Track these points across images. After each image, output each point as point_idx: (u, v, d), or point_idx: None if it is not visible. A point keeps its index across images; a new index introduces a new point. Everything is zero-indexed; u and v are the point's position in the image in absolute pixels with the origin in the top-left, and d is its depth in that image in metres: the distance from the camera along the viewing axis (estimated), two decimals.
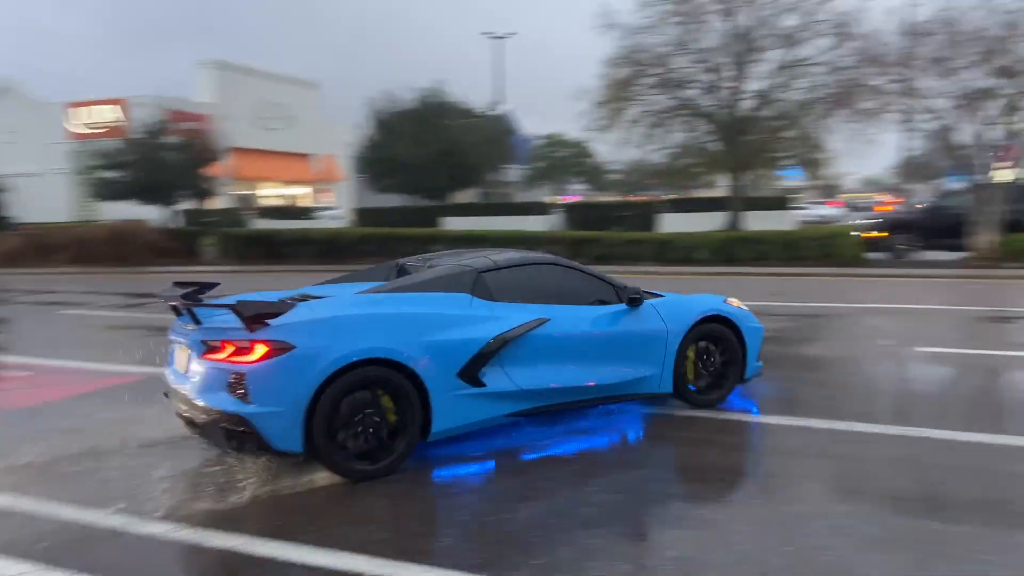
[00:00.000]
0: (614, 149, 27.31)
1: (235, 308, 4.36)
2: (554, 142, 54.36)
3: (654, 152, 27.07)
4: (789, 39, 23.32)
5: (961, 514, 3.92)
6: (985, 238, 16.53)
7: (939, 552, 3.47)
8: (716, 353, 6.03)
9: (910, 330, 9.56)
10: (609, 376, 5.43)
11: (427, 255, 6.22)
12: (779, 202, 42.78)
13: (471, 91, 61.47)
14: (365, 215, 32.54)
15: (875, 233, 18.51)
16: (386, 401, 4.55)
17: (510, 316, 5.08)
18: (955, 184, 24.92)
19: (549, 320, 5.19)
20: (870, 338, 9.10)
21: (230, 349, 4.36)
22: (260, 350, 4.29)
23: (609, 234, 20.25)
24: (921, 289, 13.84)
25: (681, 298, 6.15)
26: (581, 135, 32.49)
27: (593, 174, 55.35)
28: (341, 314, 4.63)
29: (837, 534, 3.69)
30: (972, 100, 16.23)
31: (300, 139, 43.28)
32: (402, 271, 5.92)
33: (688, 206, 33.34)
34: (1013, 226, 16.66)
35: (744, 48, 23.48)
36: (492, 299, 5.15)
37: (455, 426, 4.83)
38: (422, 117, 32.05)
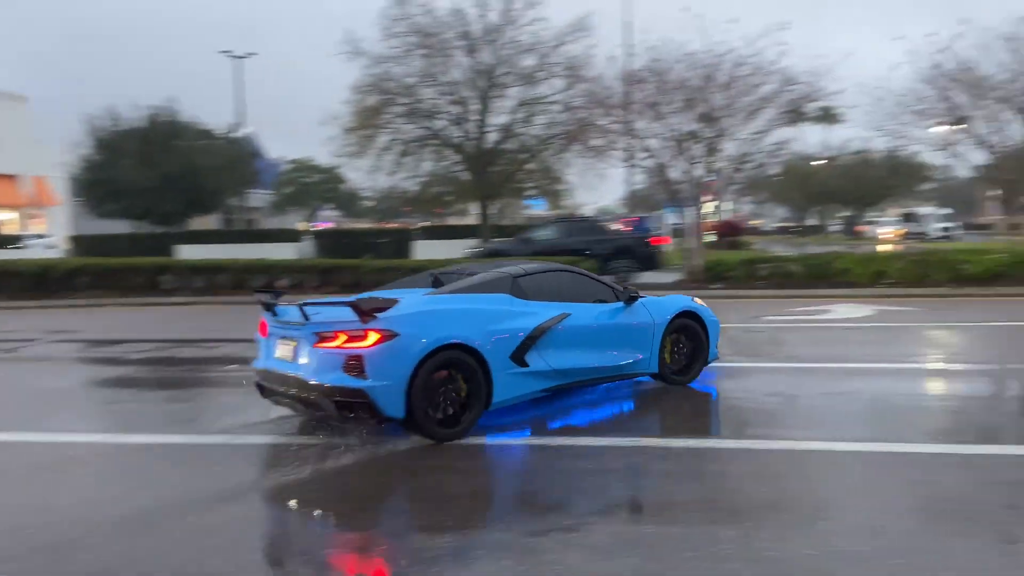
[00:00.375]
0: (365, 176, 27.25)
1: (354, 305, 5.50)
2: (304, 167, 52.85)
3: (406, 180, 27.44)
4: (528, 78, 24.91)
5: (675, 515, 4.27)
6: (696, 262, 18.69)
7: (654, 554, 3.74)
8: (687, 342, 7.56)
9: None
10: (614, 359, 6.87)
11: (459, 267, 7.55)
12: (525, 230, 45.14)
13: (211, 113, 57.77)
14: (85, 243, 29.13)
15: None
16: (460, 380, 5.72)
17: (541, 311, 6.38)
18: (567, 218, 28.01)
19: (570, 314, 6.52)
20: None
21: (343, 337, 5.45)
22: (373, 336, 5.40)
23: (363, 262, 19.94)
24: None
25: (661, 298, 7.69)
26: (332, 160, 32.05)
27: (346, 200, 54.57)
28: (428, 309, 5.85)
29: (567, 547, 3.84)
30: (680, 141, 18.34)
31: (3, 158, 37.78)
32: (437, 280, 6.99)
33: (443, 233, 34.05)
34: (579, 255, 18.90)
35: (488, 84, 24.65)
36: (526, 298, 6.44)
37: (508, 398, 6.07)
38: (151, 137, 29.56)
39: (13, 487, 5.04)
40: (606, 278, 7.52)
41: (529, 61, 24.53)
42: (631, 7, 28.10)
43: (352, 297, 6.04)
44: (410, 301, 5.91)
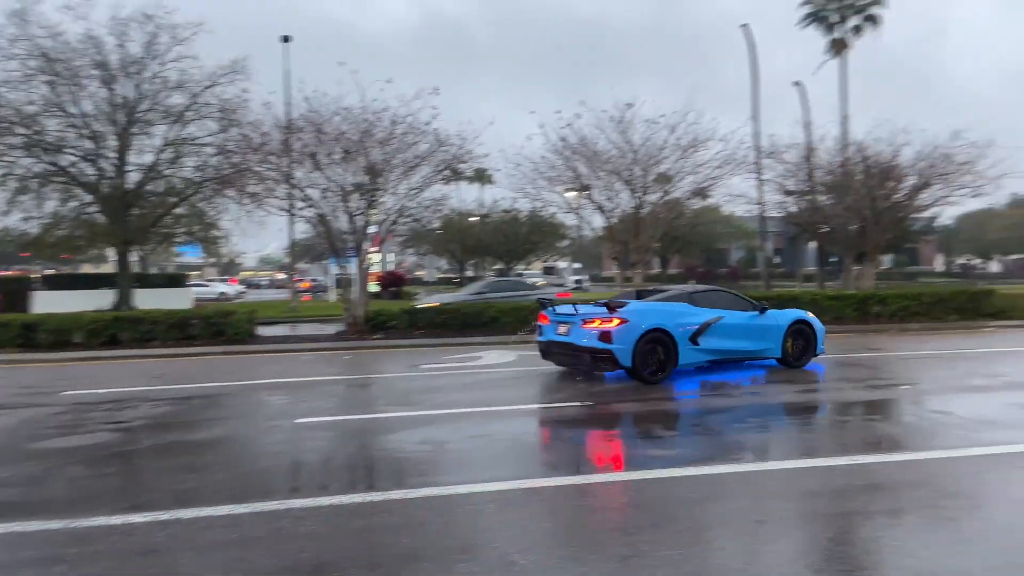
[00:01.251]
0: None
1: (606, 304, 11.00)
2: None
3: (24, 221, 23.71)
4: (177, 117, 23.18)
5: None
6: (358, 312, 18.75)
7: None
8: (801, 340, 12.28)
9: (293, 403, 10.07)
10: (751, 346, 11.82)
11: (652, 287, 13.28)
12: (177, 279, 41.61)
13: None
14: None
15: None
16: (660, 349, 10.78)
17: (706, 314, 11.36)
18: None
19: (723, 317, 11.46)
20: (255, 415, 9.28)
21: (599, 322, 10.72)
22: (616, 321, 10.60)
23: None
24: (305, 363, 14.86)
25: (784, 310, 12.59)
26: None
27: None
28: (643, 308, 11.03)
29: None
30: (341, 193, 18.43)
31: None
32: (640, 294, 12.27)
33: (70, 283, 29.87)
34: None
35: (127, 119, 22.45)
36: (697, 305, 11.50)
37: (687, 363, 11.08)
38: None
39: None
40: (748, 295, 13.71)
41: (177, 99, 22.90)
42: (289, 55, 27.83)
43: (603, 301, 11.62)
44: (633, 304, 11.21)
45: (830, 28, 38.45)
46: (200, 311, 18.87)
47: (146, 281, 33.47)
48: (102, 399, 10.34)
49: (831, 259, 33.84)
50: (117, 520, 5.13)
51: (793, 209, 28.33)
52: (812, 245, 38.38)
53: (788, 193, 27.47)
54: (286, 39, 29.12)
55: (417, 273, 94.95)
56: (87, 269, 37.13)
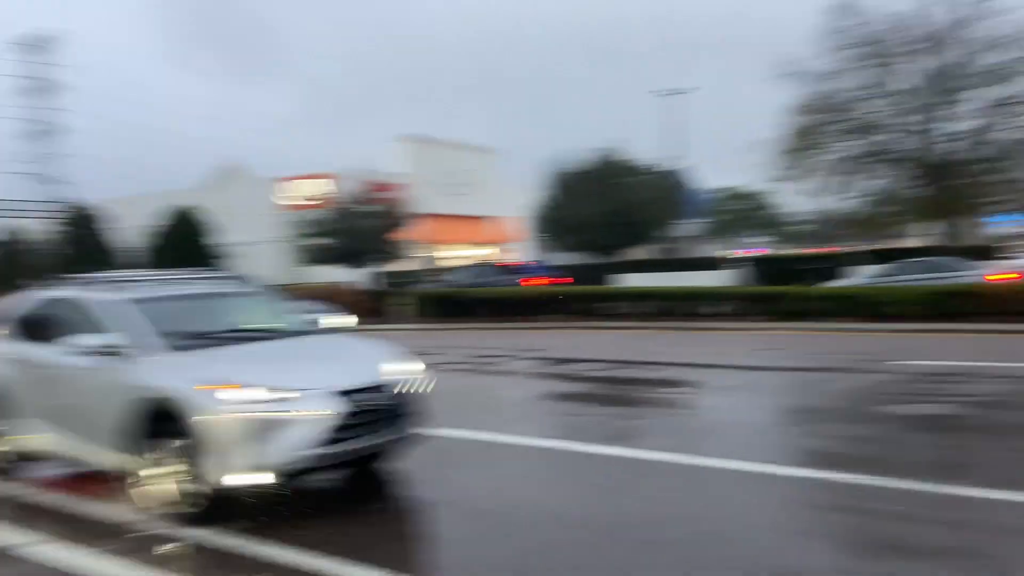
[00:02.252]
0: (801, 199, 26.28)
1: None
2: (731, 195, 52.97)
3: (844, 200, 25.64)
4: (996, 75, 21.51)
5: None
6: None
7: None
8: None
9: None
10: None
11: None
12: (984, 251, 38.37)
13: (646, 150, 60.96)
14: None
15: None
16: None
17: None
18: None
19: None
20: None
21: None
22: None
23: (795, 289, 19.08)
24: None
25: None
26: (758, 187, 31.61)
27: (771, 226, 53.20)
28: None
29: None
30: None
31: (478, 202, 44.83)
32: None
33: (884, 257, 30.80)
34: None
35: (942, 88, 21.92)
36: None
37: None
38: (600, 177, 32.68)
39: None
40: None
41: (994, 58, 21.19)
42: None
43: None
44: None
45: None
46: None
47: (958, 253, 31.87)
48: (931, 371, 10.38)
49: None
50: (976, 493, 5.09)
51: None
52: None
53: None
54: None
55: None
56: (891, 244, 37.50)
